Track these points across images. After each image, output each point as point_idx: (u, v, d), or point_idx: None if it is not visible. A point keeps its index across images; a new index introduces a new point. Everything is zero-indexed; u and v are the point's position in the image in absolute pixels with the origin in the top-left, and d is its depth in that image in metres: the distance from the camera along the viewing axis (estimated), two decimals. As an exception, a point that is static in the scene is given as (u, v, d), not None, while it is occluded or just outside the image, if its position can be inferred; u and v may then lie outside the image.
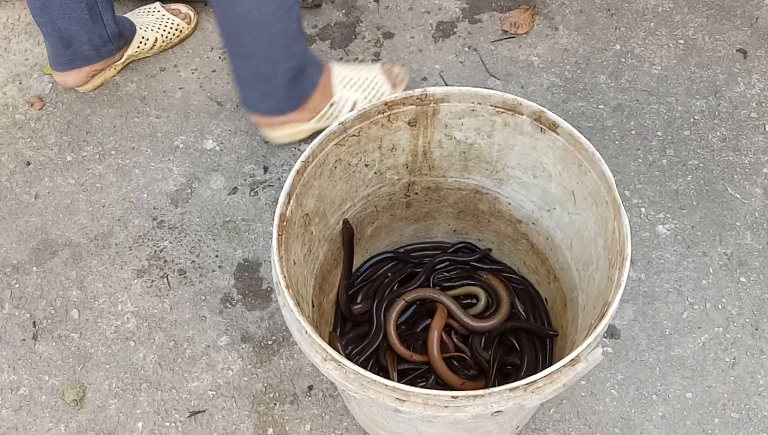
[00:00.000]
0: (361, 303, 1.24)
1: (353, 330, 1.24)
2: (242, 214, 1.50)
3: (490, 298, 1.26)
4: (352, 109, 1.45)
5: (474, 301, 1.27)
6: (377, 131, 1.05)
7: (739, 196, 1.49)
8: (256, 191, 1.52)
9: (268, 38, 1.28)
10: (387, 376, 1.17)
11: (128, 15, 1.67)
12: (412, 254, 1.33)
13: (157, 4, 1.71)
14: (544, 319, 1.26)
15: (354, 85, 1.47)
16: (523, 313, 1.27)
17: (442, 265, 1.30)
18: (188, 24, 1.71)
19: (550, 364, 1.17)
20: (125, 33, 1.61)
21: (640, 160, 1.54)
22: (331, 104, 1.44)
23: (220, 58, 1.71)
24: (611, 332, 1.35)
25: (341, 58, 1.69)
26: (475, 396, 0.81)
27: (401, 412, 0.83)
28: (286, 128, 1.48)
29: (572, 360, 0.84)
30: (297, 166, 0.96)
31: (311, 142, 1.04)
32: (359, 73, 1.50)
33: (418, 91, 1.02)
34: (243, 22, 1.26)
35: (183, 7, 1.72)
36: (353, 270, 1.27)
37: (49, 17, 1.45)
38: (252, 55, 1.32)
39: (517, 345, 1.23)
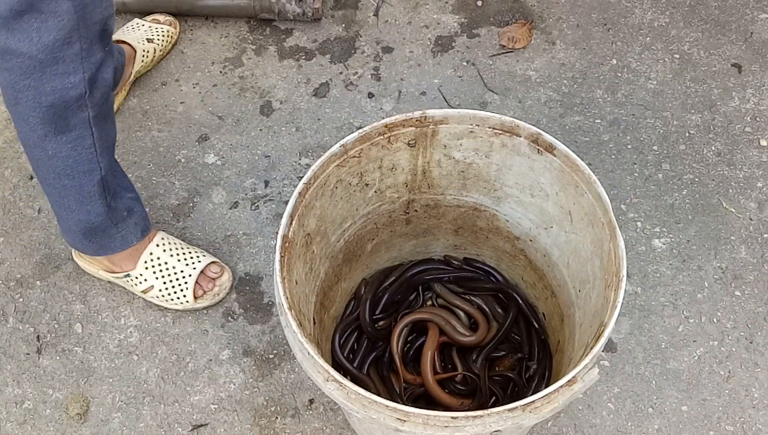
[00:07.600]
0: (385, 320, 1.27)
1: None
2: (243, 228, 1.52)
3: (469, 316, 1.29)
4: (145, 292, 1.39)
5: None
6: (378, 152, 1.07)
7: (733, 210, 1.51)
8: (257, 205, 1.54)
9: (59, 188, 1.23)
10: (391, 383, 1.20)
11: (116, 35, 1.68)
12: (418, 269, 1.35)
13: (137, 19, 1.73)
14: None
15: (158, 271, 1.38)
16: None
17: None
18: (174, 28, 1.74)
19: (551, 374, 1.21)
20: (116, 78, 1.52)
21: (636, 175, 1.56)
22: (126, 274, 1.38)
23: (221, 72, 1.72)
24: (608, 346, 1.37)
25: (341, 73, 1.71)
26: (475, 416, 0.83)
27: (402, 431, 0.85)
28: (85, 263, 1.44)
29: (569, 381, 0.85)
30: (299, 188, 0.98)
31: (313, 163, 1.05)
32: (175, 261, 1.39)
33: (417, 114, 1.04)
34: (37, 166, 1.22)
35: (160, 17, 1.74)
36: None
37: None
38: (48, 194, 1.28)
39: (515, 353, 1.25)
